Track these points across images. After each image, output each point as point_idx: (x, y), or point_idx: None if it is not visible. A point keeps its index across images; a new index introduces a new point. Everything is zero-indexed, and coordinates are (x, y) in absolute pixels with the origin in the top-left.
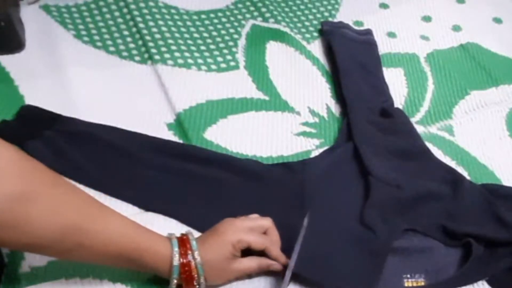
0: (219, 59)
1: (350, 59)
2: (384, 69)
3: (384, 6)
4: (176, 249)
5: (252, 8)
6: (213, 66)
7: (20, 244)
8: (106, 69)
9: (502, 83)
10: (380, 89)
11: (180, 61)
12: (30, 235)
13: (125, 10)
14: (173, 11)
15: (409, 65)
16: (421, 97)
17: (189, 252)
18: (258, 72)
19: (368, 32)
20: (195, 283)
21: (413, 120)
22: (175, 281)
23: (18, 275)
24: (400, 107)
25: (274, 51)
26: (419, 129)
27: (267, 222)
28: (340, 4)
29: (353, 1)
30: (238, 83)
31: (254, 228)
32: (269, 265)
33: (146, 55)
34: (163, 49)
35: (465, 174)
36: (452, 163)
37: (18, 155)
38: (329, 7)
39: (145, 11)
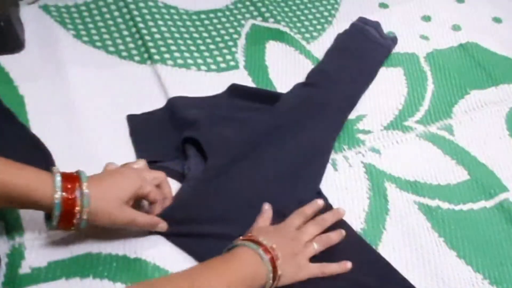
0: (219, 59)
1: (352, 53)
2: (384, 68)
3: (383, 5)
4: (58, 183)
5: (251, 8)
6: (213, 66)
7: None
8: (105, 69)
9: (501, 82)
10: (351, 99)
11: (179, 61)
12: None
13: (124, 10)
14: (172, 11)
15: (409, 64)
16: (421, 97)
17: (77, 185)
18: (258, 71)
19: (393, 40)
20: (74, 220)
21: (413, 119)
22: (57, 213)
23: (18, 275)
24: (400, 106)
25: (274, 51)
26: (419, 128)
27: (162, 174)
28: (340, 4)
29: (353, 1)
30: (238, 83)
31: (150, 179)
32: (157, 223)
33: (145, 55)
34: (163, 49)
35: (465, 173)
36: (452, 163)
37: None
38: (329, 7)
39: (145, 11)
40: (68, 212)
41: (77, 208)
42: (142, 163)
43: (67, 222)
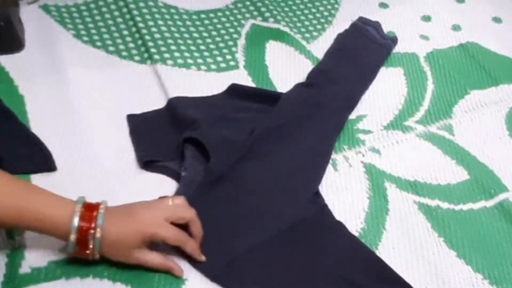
0: (219, 58)
1: (352, 54)
2: (384, 68)
3: (383, 5)
4: (78, 210)
5: (251, 8)
6: (213, 66)
7: None
8: (105, 69)
9: (501, 82)
10: (351, 99)
11: (179, 61)
12: None
13: (124, 10)
14: (172, 11)
15: (409, 64)
16: (421, 97)
17: (93, 219)
18: (258, 71)
19: (393, 40)
20: (87, 252)
21: (413, 119)
22: (71, 248)
23: (18, 275)
24: (400, 106)
25: (274, 51)
26: (419, 128)
27: (190, 214)
28: (340, 4)
29: (353, 1)
30: (238, 83)
31: (173, 220)
32: (171, 268)
33: (145, 55)
34: (163, 49)
35: (464, 173)
36: (451, 162)
37: None
38: (329, 7)
39: (145, 10)
40: (82, 241)
41: (89, 249)
42: (180, 200)
43: (81, 252)
